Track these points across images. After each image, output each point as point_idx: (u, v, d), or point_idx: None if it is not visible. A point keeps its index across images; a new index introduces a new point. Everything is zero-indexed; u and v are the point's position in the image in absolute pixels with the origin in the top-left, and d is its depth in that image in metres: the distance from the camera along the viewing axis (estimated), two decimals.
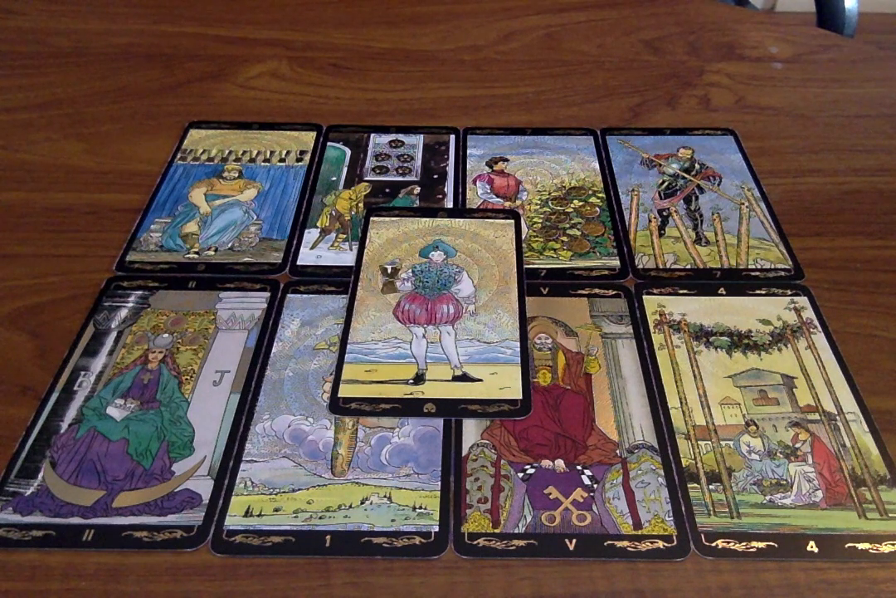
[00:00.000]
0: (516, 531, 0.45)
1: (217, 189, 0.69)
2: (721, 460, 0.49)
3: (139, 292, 0.59)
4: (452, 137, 0.76)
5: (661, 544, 0.45)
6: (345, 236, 0.65)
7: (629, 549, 0.44)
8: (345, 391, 0.52)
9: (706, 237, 0.65)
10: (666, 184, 0.70)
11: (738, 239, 0.64)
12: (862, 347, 0.56)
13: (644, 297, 0.59)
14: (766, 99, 0.82)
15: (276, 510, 0.46)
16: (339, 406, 0.51)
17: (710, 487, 0.47)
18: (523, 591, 0.43)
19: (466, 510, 0.46)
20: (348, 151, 0.74)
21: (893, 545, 0.45)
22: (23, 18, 0.95)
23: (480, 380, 0.53)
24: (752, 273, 0.61)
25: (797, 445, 0.50)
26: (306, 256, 0.63)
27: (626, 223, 0.66)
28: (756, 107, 0.81)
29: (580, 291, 0.60)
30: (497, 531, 0.45)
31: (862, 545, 0.45)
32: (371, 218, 0.66)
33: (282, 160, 0.73)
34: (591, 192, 0.69)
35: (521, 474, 0.48)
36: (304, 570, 0.44)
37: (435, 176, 0.71)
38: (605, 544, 0.45)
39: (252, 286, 0.60)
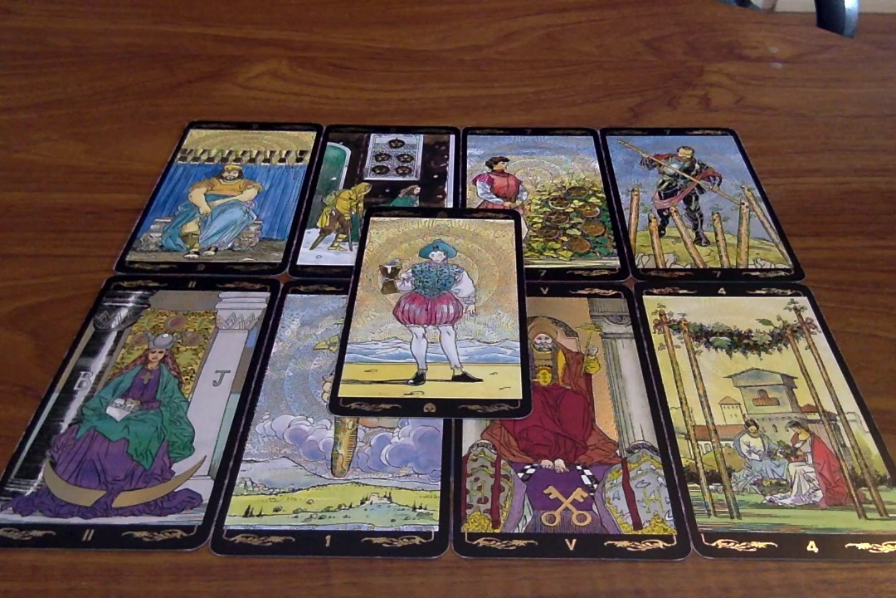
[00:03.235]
0: (516, 531, 0.45)
1: (217, 189, 0.69)
2: (721, 460, 0.49)
3: (139, 292, 0.59)
4: (452, 137, 0.76)
5: (661, 544, 0.45)
6: (345, 236, 0.65)
7: (629, 549, 0.44)
8: (345, 391, 0.52)
9: (706, 237, 0.65)
10: (666, 184, 0.70)
11: (738, 239, 0.64)
12: (862, 347, 0.56)
13: (644, 297, 0.59)
14: (766, 99, 0.82)
15: (276, 510, 0.46)
16: (339, 406, 0.51)
17: (710, 487, 0.47)
18: (523, 591, 0.43)
19: (466, 510, 0.46)
20: (348, 151, 0.74)
21: (893, 545, 0.45)
22: (23, 18, 0.95)
23: (480, 380, 0.53)
24: (752, 273, 0.61)
25: (797, 445, 0.50)
26: (306, 256, 0.63)
27: (626, 223, 0.66)
28: (756, 107, 0.81)
29: (580, 292, 0.60)
30: (497, 531, 0.45)
31: (862, 545, 0.45)
32: (371, 218, 0.66)
33: (282, 160, 0.73)
34: (591, 192, 0.69)
35: (521, 474, 0.48)
36: (304, 570, 0.44)
37: (435, 176, 0.71)
38: (605, 544, 0.45)
39: (252, 286, 0.60)
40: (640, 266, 0.62)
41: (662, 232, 0.65)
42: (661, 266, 0.62)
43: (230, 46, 0.90)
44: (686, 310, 0.58)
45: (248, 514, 0.46)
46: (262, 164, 0.73)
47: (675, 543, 0.45)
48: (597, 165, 0.72)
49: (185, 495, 0.47)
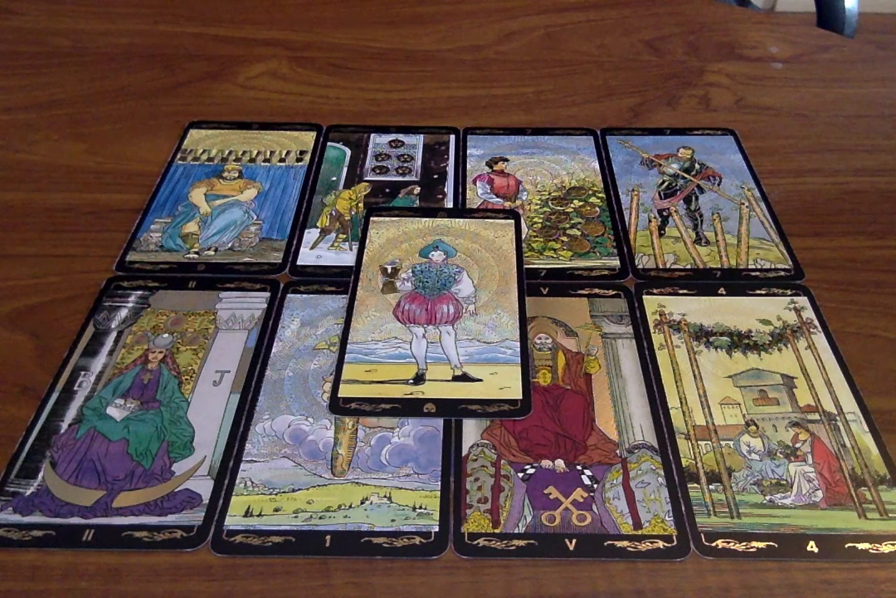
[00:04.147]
0: (516, 531, 0.45)
1: (217, 189, 0.69)
2: (721, 460, 0.49)
3: (139, 292, 0.59)
4: (452, 137, 0.76)
5: (661, 544, 0.45)
6: (345, 236, 0.65)
7: (629, 549, 0.44)
8: (345, 391, 0.52)
9: (706, 237, 0.65)
10: (666, 184, 0.70)
11: (738, 239, 0.64)
12: (862, 347, 0.56)
13: (644, 297, 0.59)
14: (766, 99, 0.82)
15: (276, 510, 0.46)
16: (339, 406, 0.51)
17: (710, 487, 0.47)
18: (523, 591, 0.43)
19: (466, 510, 0.46)
20: (348, 151, 0.74)
21: (893, 545, 0.45)
22: (23, 18, 0.94)
23: (480, 380, 0.53)
24: (752, 273, 0.61)
25: (797, 445, 0.50)
26: (306, 256, 0.63)
27: (626, 223, 0.66)
28: (756, 107, 0.81)
29: (580, 292, 0.60)
30: (497, 531, 0.45)
31: (862, 545, 0.45)
32: (371, 218, 0.66)
33: (282, 160, 0.73)
34: (591, 192, 0.69)
35: (521, 474, 0.48)
36: (304, 570, 0.44)
37: (435, 176, 0.71)
38: (605, 544, 0.45)
39: (252, 286, 0.60)
40: (640, 266, 0.62)
41: (662, 232, 0.65)
42: (661, 266, 0.62)
43: (230, 46, 0.90)
44: (686, 310, 0.58)
45: (248, 514, 0.46)
46: (262, 164, 0.73)
47: (675, 543, 0.45)
48: (597, 165, 0.72)
49: (185, 495, 0.47)
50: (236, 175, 0.71)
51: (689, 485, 0.47)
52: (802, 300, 0.59)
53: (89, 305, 0.58)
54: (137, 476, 0.47)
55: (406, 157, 0.74)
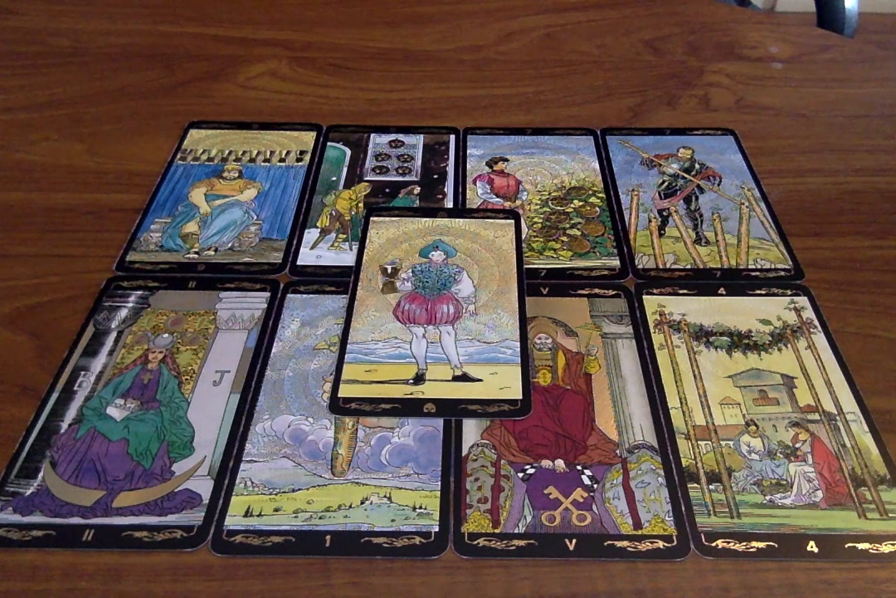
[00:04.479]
0: (516, 531, 0.45)
1: (217, 189, 0.69)
2: (721, 460, 0.49)
3: (139, 292, 0.59)
4: (452, 137, 0.76)
5: (661, 544, 0.45)
6: (345, 236, 0.65)
7: (629, 549, 0.44)
8: (345, 391, 0.52)
9: (706, 237, 0.65)
10: (666, 184, 0.70)
11: (738, 239, 0.64)
12: (862, 347, 0.56)
13: (644, 297, 0.59)
14: (766, 99, 0.82)
15: (276, 510, 0.46)
16: (339, 406, 0.51)
17: (710, 487, 0.47)
18: (523, 591, 0.43)
19: (466, 510, 0.46)
20: (348, 151, 0.74)
21: (893, 545, 0.45)
22: (23, 18, 0.95)
23: (480, 380, 0.53)
24: (752, 273, 0.61)
25: (797, 445, 0.50)
26: (306, 256, 0.63)
27: (626, 223, 0.66)
28: (756, 107, 0.81)
29: (580, 292, 0.60)
30: (497, 531, 0.45)
31: (862, 545, 0.45)
32: (371, 218, 0.66)
33: (282, 160, 0.73)
34: (591, 192, 0.69)
35: (521, 474, 0.48)
36: (304, 570, 0.44)
37: (435, 176, 0.71)
38: (605, 544, 0.45)
39: (252, 286, 0.60)
40: (640, 266, 0.62)
41: (662, 232, 0.65)
42: (661, 266, 0.62)
43: (230, 46, 0.90)
44: (686, 310, 0.58)
45: (248, 514, 0.46)
46: (262, 164, 0.73)
47: (675, 543, 0.45)
48: (597, 165, 0.72)
49: (185, 495, 0.47)
50: (236, 175, 0.71)
51: (689, 485, 0.47)
52: (802, 300, 0.59)
53: (89, 305, 0.58)
54: (137, 476, 0.47)
55: (406, 157, 0.74)
